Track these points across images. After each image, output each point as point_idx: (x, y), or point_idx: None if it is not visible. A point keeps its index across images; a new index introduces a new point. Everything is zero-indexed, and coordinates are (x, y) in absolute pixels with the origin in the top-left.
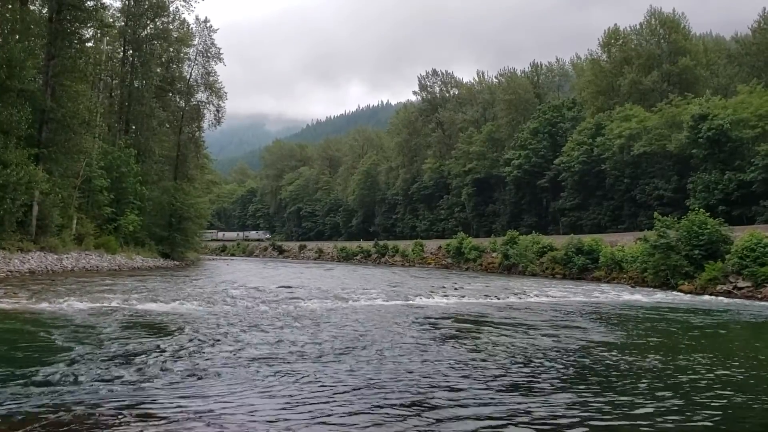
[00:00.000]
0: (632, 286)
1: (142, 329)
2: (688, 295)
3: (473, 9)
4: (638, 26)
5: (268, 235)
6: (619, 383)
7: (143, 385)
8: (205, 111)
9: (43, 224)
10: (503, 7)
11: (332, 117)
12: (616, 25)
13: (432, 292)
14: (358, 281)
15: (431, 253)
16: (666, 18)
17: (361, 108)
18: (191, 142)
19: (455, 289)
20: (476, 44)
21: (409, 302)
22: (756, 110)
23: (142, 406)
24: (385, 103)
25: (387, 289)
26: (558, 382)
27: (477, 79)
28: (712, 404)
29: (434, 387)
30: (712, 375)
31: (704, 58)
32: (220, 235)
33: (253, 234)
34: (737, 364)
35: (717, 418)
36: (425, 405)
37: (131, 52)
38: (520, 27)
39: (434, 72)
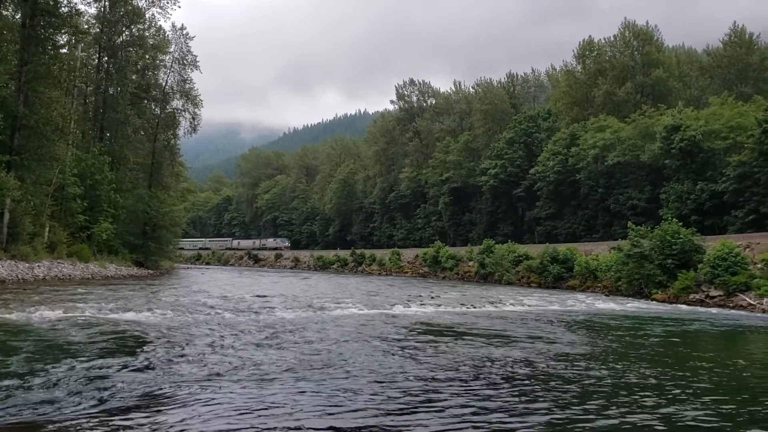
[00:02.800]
0: (606, 295)
1: (111, 340)
2: (662, 304)
3: (444, 22)
4: (612, 38)
5: (287, 243)
6: (575, 397)
7: (82, 407)
8: (181, 118)
9: (14, 232)
10: (473, 21)
11: (309, 125)
12: (590, 36)
13: (409, 301)
14: (335, 290)
15: (408, 262)
16: (639, 30)
17: (338, 116)
18: (166, 149)
19: (432, 298)
20: (448, 56)
21: (385, 311)
22: (727, 122)
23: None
24: (362, 111)
25: (363, 298)
26: (509, 399)
27: (454, 89)
28: (660, 419)
29: (358, 410)
30: (674, 387)
31: (677, 69)
32: (235, 243)
33: (270, 242)
34: (704, 374)
35: None
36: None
37: (106, 58)
38: (490, 40)
39: (411, 81)
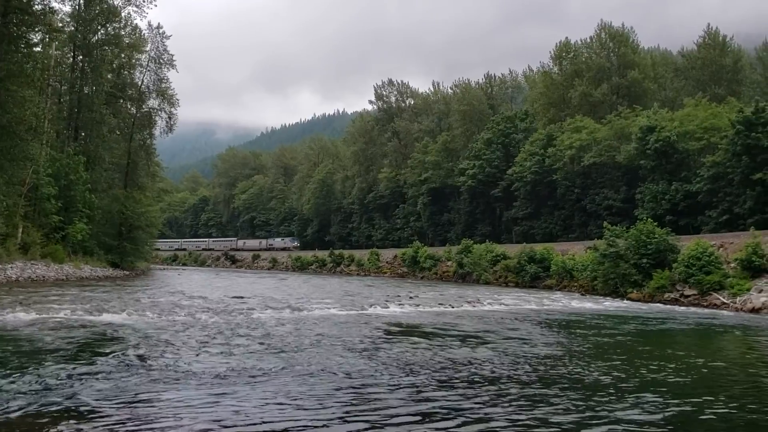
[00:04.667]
0: (582, 294)
1: (82, 343)
2: (637, 303)
3: (418, 24)
4: (588, 40)
5: (296, 243)
6: (528, 399)
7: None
8: (157, 118)
9: None
10: (447, 23)
11: (287, 125)
12: (567, 38)
13: (387, 301)
14: (313, 291)
15: (387, 263)
16: (615, 32)
17: (316, 116)
18: (142, 149)
19: (410, 298)
20: (424, 57)
21: (363, 312)
22: (701, 123)
23: None
24: (340, 111)
25: (341, 299)
26: (459, 404)
27: (432, 89)
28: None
29: (296, 419)
30: (635, 385)
31: (652, 71)
32: (240, 243)
33: (278, 241)
34: (667, 373)
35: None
36: None
37: (81, 57)
38: (465, 42)
39: (390, 82)
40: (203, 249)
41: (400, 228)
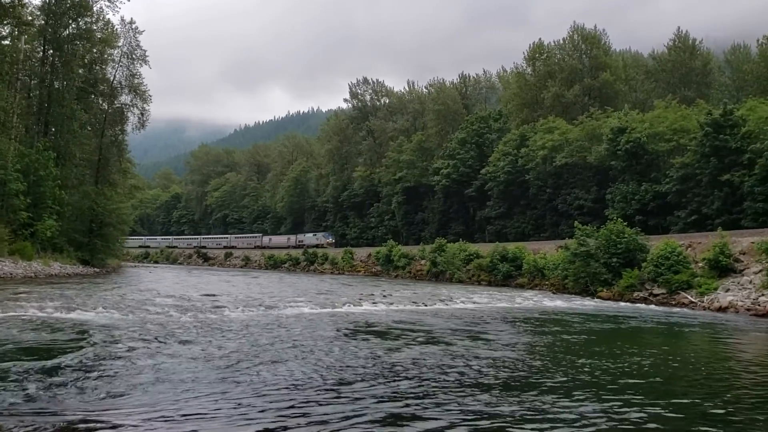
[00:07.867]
0: (553, 293)
1: (47, 341)
2: (606, 302)
3: (387, 23)
4: (561, 41)
5: (330, 239)
6: (491, 405)
7: None
8: (129, 114)
9: None
10: (415, 23)
11: (261, 122)
12: (540, 39)
13: (361, 299)
14: (285, 289)
15: (361, 261)
16: (588, 34)
17: (290, 114)
18: (114, 145)
19: (384, 296)
20: (393, 57)
21: (336, 310)
22: (671, 125)
23: None
24: (315, 109)
25: (314, 297)
26: (399, 413)
27: (407, 88)
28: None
29: None
30: (599, 387)
31: (623, 73)
32: (266, 240)
33: (309, 237)
34: (636, 373)
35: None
36: None
37: (51, 51)
38: (433, 43)
39: (365, 80)
40: (224, 247)
41: (374, 227)
